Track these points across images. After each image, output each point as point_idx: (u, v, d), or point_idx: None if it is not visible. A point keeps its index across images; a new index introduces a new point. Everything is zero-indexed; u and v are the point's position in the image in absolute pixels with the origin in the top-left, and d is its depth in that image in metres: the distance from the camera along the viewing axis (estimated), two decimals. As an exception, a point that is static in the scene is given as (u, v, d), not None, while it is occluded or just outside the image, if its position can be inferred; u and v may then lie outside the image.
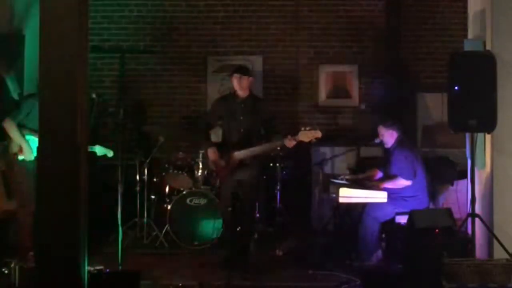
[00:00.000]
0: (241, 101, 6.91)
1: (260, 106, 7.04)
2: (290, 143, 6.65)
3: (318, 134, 6.62)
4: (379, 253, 6.89)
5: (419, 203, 6.82)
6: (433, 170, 7.14)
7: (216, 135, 7.34)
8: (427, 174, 7.10)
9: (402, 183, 6.92)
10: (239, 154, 6.78)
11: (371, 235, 6.88)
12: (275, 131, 6.95)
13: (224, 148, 6.91)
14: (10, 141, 6.55)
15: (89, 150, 6.79)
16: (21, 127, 6.50)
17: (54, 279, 5.07)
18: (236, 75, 6.92)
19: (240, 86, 6.91)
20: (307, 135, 6.61)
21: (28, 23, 7.85)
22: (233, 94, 7.03)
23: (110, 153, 7.06)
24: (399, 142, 7.11)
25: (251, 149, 6.75)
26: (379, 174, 7.36)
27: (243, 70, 7.03)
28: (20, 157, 6.50)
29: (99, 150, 7.00)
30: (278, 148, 7.35)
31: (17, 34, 7.86)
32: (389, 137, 7.14)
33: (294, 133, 6.66)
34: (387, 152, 7.26)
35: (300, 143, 6.70)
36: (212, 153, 6.92)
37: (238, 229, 6.89)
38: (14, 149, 6.53)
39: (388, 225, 6.92)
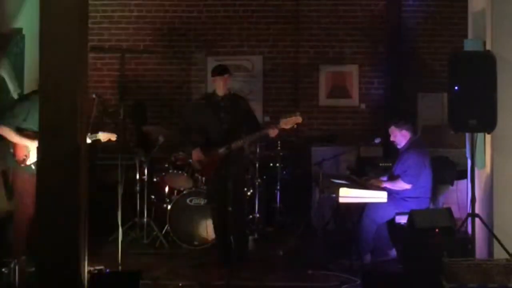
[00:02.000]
0: (220, 100, 6.98)
1: (241, 103, 7.10)
2: (272, 132, 6.76)
3: (299, 119, 6.73)
4: (393, 252, 6.90)
5: (419, 205, 6.80)
6: (433, 170, 7.12)
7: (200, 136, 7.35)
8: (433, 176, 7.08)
9: (401, 185, 6.91)
10: (223, 150, 6.79)
11: (366, 235, 6.89)
12: (257, 125, 6.99)
13: (207, 146, 6.95)
14: (16, 148, 6.45)
15: (94, 138, 6.81)
16: (21, 130, 6.42)
17: (54, 279, 5.08)
18: (225, 75, 6.98)
19: (224, 85, 6.98)
20: (288, 122, 6.71)
21: (20, 20, 7.80)
22: (212, 93, 7.11)
23: (113, 137, 7.04)
24: (411, 144, 7.05)
25: (235, 142, 6.79)
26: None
27: (227, 70, 7.09)
28: (29, 162, 6.40)
29: (102, 136, 6.99)
30: (261, 138, 7.36)
31: (9, 31, 7.81)
32: (401, 137, 7.08)
33: (276, 122, 6.74)
34: (398, 152, 7.21)
35: (283, 131, 6.80)
36: (196, 153, 6.97)
37: (233, 228, 6.91)
38: (21, 156, 6.43)
39: (388, 225, 6.93)
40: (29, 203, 6.12)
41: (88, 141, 6.43)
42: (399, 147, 7.15)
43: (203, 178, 7.88)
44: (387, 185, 6.98)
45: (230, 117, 6.92)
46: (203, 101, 7.28)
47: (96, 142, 7.01)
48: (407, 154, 7.01)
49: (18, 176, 6.43)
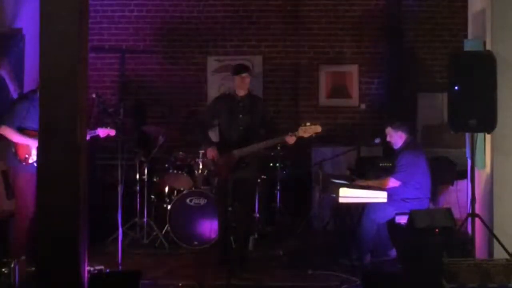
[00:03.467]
0: (240, 100, 6.94)
1: (259, 105, 7.07)
2: (290, 139, 6.70)
3: (318, 129, 6.69)
4: (393, 252, 6.91)
5: (419, 205, 6.80)
6: (433, 170, 7.13)
7: (214, 135, 7.35)
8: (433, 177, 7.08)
9: (389, 183, 6.91)
10: (238, 152, 6.79)
11: (366, 235, 6.89)
12: (275, 130, 6.98)
13: (223, 147, 6.93)
14: (17, 147, 6.45)
15: (93, 134, 6.81)
16: (21, 129, 6.42)
17: (54, 279, 5.08)
18: (243, 75, 6.94)
19: (243, 85, 6.93)
20: (306, 131, 6.68)
21: (20, 20, 7.81)
22: (232, 93, 7.06)
23: (112, 132, 7.05)
24: (407, 145, 7.06)
25: (251, 146, 6.78)
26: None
27: (247, 69, 7.06)
28: (31, 160, 6.39)
29: (101, 132, 6.99)
30: (279, 144, 7.38)
31: (9, 31, 7.81)
32: (397, 138, 7.09)
33: (294, 129, 6.72)
34: (395, 153, 7.22)
35: (301, 139, 6.76)
36: (211, 152, 6.94)
37: (233, 228, 6.93)
38: (23, 155, 6.43)
39: (389, 225, 6.93)
40: (30, 203, 6.12)
41: (88, 137, 6.44)
42: (395, 147, 7.17)
43: (202, 177, 7.90)
44: (371, 183, 7.00)
45: (247, 119, 6.89)
46: (222, 99, 7.24)
47: (96, 138, 7.01)
48: (401, 155, 7.02)
49: (20, 176, 6.43)
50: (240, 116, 6.89)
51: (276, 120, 7.59)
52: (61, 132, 5.13)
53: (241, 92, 6.96)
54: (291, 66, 9.69)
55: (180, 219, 7.67)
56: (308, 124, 6.71)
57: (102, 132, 6.98)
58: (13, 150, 6.42)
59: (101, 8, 9.57)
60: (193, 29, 9.68)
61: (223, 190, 7.00)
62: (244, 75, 6.93)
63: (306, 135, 6.68)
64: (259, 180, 8.10)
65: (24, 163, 6.39)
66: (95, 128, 6.97)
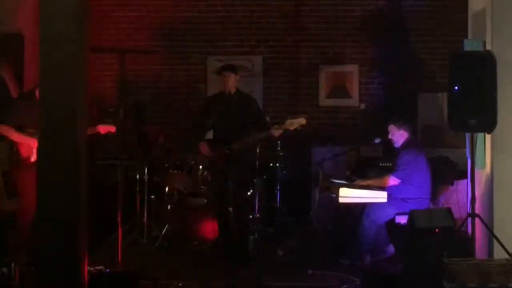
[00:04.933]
0: (230, 97, 7.09)
1: (251, 103, 7.23)
2: (276, 132, 6.93)
3: (303, 121, 6.92)
4: (391, 248, 6.90)
5: (419, 205, 6.80)
6: (433, 170, 7.12)
7: (209, 136, 7.43)
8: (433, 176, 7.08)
9: (389, 181, 6.91)
10: (229, 147, 6.88)
11: (366, 236, 6.89)
12: (267, 128, 7.06)
13: (215, 143, 7.03)
14: (19, 147, 6.45)
15: (93, 131, 6.81)
16: (21, 128, 6.43)
17: (54, 279, 5.07)
18: (224, 73, 7.07)
19: (226, 84, 7.08)
20: (292, 123, 6.89)
21: (20, 20, 7.81)
22: (223, 91, 7.26)
23: (113, 129, 7.06)
24: (408, 143, 7.07)
25: (239, 142, 6.88)
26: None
27: (229, 69, 7.17)
28: (34, 159, 6.39)
29: (101, 129, 6.99)
30: (268, 138, 7.48)
31: (9, 31, 7.82)
32: (399, 137, 7.09)
33: (280, 122, 6.92)
34: (396, 151, 7.21)
35: (287, 131, 6.98)
36: (203, 147, 7.05)
37: (233, 228, 6.97)
38: (26, 154, 6.43)
39: (388, 225, 6.92)
40: (33, 202, 6.11)
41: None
42: (396, 146, 7.17)
43: (202, 177, 7.91)
44: (371, 181, 7.00)
45: (237, 115, 7.02)
46: (214, 98, 7.38)
47: (96, 135, 7.01)
48: (402, 153, 7.03)
49: (23, 175, 6.43)
50: (230, 112, 7.04)
51: (276, 120, 7.61)
52: (61, 132, 5.13)
53: (230, 90, 7.13)
54: (291, 66, 9.68)
55: (180, 219, 7.67)
56: (294, 116, 6.96)
57: (102, 128, 6.98)
58: (15, 149, 6.43)
59: (101, 8, 9.56)
60: (193, 29, 9.67)
61: (219, 189, 7.07)
62: (225, 73, 7.13)
63: (291, 127, 6.90)
64: (258, 179, 8.13)
65: (27, 162, 6.40)
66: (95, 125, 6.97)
